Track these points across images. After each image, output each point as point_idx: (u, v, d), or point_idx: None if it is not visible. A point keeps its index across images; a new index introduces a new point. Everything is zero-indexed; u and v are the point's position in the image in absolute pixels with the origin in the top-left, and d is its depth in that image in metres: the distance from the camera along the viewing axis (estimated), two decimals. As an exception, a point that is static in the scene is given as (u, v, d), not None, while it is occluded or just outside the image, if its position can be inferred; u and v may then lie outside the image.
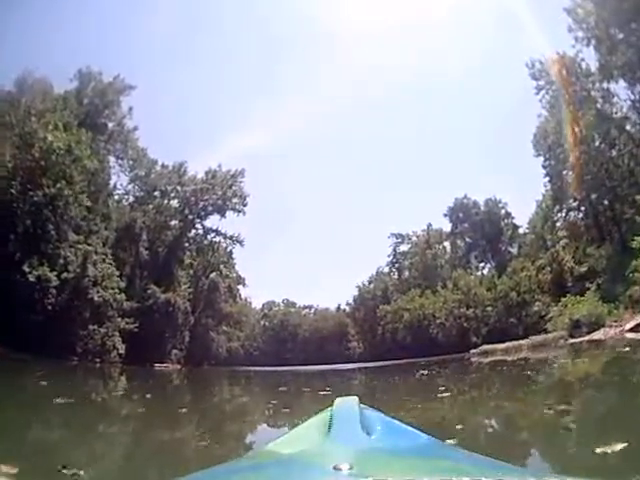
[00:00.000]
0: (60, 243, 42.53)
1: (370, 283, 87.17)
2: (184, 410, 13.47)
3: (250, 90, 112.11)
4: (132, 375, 34.60)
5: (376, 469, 1.65)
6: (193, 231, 68.22)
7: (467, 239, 78.18)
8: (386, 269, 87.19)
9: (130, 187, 63.46)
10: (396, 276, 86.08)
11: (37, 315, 38.17)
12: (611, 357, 22.76)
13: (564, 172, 53.89)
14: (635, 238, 35.94)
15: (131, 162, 61.87)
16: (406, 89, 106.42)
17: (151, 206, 62.98)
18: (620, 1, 42.41)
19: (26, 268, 38.70)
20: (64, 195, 42.59)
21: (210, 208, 66.53)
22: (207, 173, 66.63)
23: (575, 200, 54.38)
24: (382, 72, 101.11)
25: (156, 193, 64.08)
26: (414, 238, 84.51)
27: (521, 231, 72.56)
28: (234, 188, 66.19)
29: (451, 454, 2.53)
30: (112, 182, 59.95)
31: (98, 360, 43.07)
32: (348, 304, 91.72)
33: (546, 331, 43.01)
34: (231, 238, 69.61)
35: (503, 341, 44.83)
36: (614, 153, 48.92)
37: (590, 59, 48.10)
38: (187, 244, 67.43)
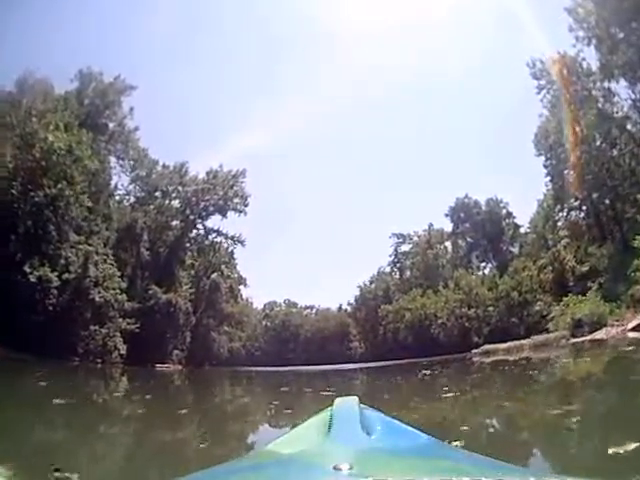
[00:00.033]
0: (61, 244, 42.53)
1: (371, 283, 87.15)
2: (184, 411, 13.41)
3: (250, 90, 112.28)
4: (133, 376, 34.60)
5: (376, 469, 1.65)
6: (194, 231, 68.26)
7: (468, 239, 78.14)
8: (387, 269, 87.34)
9: (131, 187, 63.55)
10: (397, 276, 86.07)
11: (38, 316, 38.16)
12: (614, 357, 22.71)
13: (565, 171, 53.85)
14: (636, 237, 35.90)
15: (132, 162, 61.82)
16: (406, 89, 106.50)
17: (152, 206, 62.96)
18: (620, 0, 42.38)
19: (27, 269, 38.70)
20: (65, 196, 42.60)
21: (211, 208, 66.51)
22: (208, 173, 66.64)
23: (576, 199, 54.34)
24: (382, 72, 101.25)
25: (157, 193, 64.05)
26: (415, 238, 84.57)
27: (522, 231, 72.58)
28: (235, 188, 66.15)
29: (451, 454, 2.52)
30: (113, 182, 60.11)
31: (99, 361, 43.07)
32: (349, 304, 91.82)
33: (548, 331, 42.99)
34: (232, 238, 69.64)
35: (504, 341, 44.78)
36: (615, 152, 48.90)
37: (591, 58, 48.18)
38: (188, 244, 67.39)
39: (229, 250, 71.92)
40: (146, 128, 67.68)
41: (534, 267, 56.78)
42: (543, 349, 35.88)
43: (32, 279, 38.57)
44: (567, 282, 50.19)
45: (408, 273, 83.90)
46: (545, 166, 56.27)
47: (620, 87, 47.16)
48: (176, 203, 65.88)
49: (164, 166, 65.05)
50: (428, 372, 25.54)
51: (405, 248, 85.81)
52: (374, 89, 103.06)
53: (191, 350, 62.21)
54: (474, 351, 46.52)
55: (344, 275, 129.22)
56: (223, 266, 71.61)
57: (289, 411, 12.66)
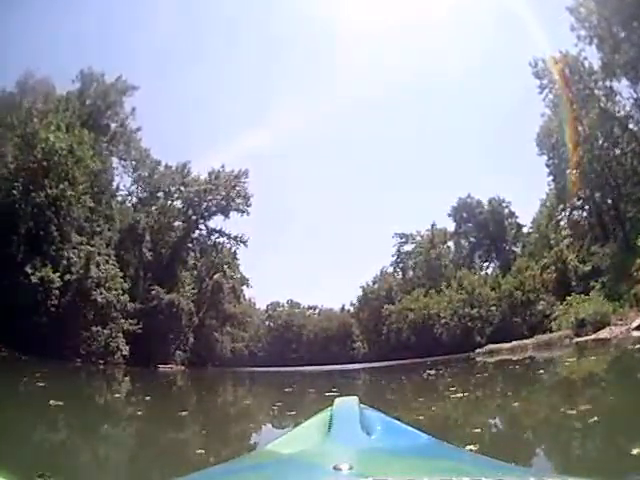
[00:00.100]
0: (63, 244, 42.51)
1: (374, 283, 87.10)
2: (185, 413, 13.27)
3: (250, 90, 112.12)
4: (135, 377, 34.65)
5: (376, 469, 1.65)
6: (197, 232, 68.25)
7: (471, 239, 78.27)
8: (390, 269, 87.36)
9: (133, 188, 63.51)
10: (400, 276, 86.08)
11: (40, 317, 38.17)
12: (620, 355, 22.70)
13: (568, 171, 53.81)
14: (639, 236, 35.91)
15: (134, 163, 61.80)
16: (406, 89, 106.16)
17: (154, 207, 63.00)
18: (622, -1, 42.49)
19: (29, 270, 38.69)
20: (67, 196, 42.60)
21: (214, 209, 66.55)
22: (210, 174, 66.61)
23: (579, 199, 54.38)
24: (382, 72, 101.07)
25: (159, 194, 64.06)
26: (418, 238, 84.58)
27: (525, 230, 72.63)
28: (238, 188, 66.17)
29: (451, 454, 2.51)
30: (115, 183, 59.94)
31: (102, 362, 43.00)
32: (352, 304, 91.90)
33: (551, 330, 43.00)
34: (235, 238, 69.56)
35: (507, 341, 44.73)
36: (617, 152, 48.96)
37: (593, 57, 48.18)
38: (191, 245, 67.45)
39: (232, 250, 71.91)
40: (148, 128, 67.88)
41: (537, 267, 56.76)
42: (547, 348, 35.88)
43: (34, 280, 38.54)
44: (570, 281, 50.18)
45: (411, 273, 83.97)
46: (547, 165, 56.38)
47: (622, 86, 47.26)
48: (178, 203, 66.01)
49: (166, 166, 65.07)
50: (432, 372, 25.49)
51: (408, 248, 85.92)
52: (374, 89, 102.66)
53: (194, 351, 62.21)
54: (477, 351, 46.46)
55: (347, 275, 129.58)
56: (226, 266, 71.55)
57: (293, 413, 12.55)
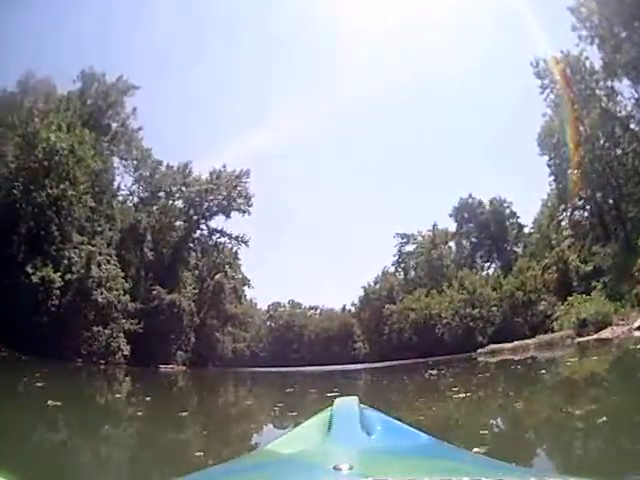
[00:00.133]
0: (64, 244, 42.54)
1: (376, 283, 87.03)
2: (185, 414, 13.17)
3: (251, 90, 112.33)
4: (136, 377, 34.63)
5: (376, 469, 1.64)
6: (198, 232, 68.34)
7: (472, 239, 78.25)
8: (392, 269, 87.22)
9: (134, 188, 63.59)
10: (402, 276, 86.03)
11: (41, 317, 38.23)
12: (622, 355, 22.69)
13: (569, 171, 53.81)
14: (640, 236, 35.99)
15: (135, 163, 61.88)
16: (406, 89, 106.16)
17: (156, 207, 63.07)
18: (623, -1, 42.50)
19: (29, 269, 38.73)
20: (68, 196, 42.64)
21: (215, 209, 66.66)
22: (212, 173, 66.68)
23: (580, 199, 54.39)
24: (382, 72, 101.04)
25: (161, 194, 64.13)
26: (419, 238, 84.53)
27: (526, 230, 72.60)
28: (239, 188, 66.24)
29: (451, 454, 2.50)
30: (116, 183, 60.04)
31: (103, 362, 43.03)
32: (353, 304, 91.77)
33: (552, 330, 43.01)
34: (236, 239, 69.62)
35: (509, 341, 44.73)
36: (619, 152, 48.98)
37: (594, 57, 48.21)
38: (192, 245, 67.49)
39: (233, 250, 71.96)
40: (149, 128, 67.93)
41: (538, 267, 56.78)
42: (549, 348, 35.87)
43: (34, 280, 38.59)
44: (571, 282, 50.25)
45: (412, 273, 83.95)
46: (549, 165, 56.37)
47: (623, 86, 47.33)
48: (180, 203, 66.10)
49: (167, 166, 65.15)
50: (434, 372, 25.47)
51: (409, 248, 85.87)
52: (374, 89, 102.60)
53: (195, 351, 62.22)
54: (479, 351, 46.44)
55: (348, 275, 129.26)
56: (227, 267, 71.55)
57: (294, 413, 12.48)
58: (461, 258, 77.66)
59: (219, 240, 70.00)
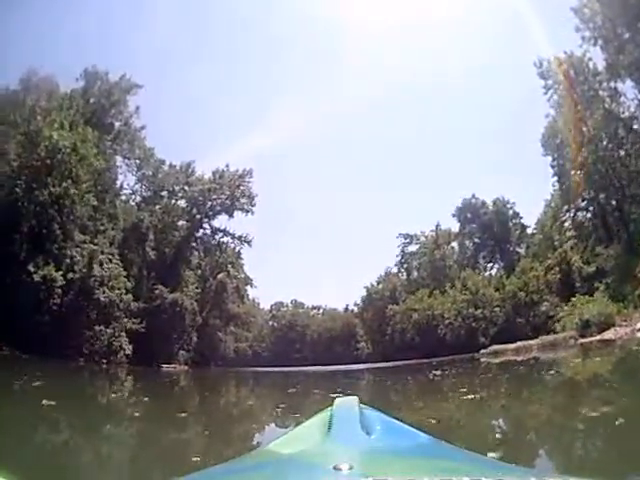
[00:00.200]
0: (66, 243, 42.58)
1: (378, 283, 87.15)
2: (184, 414, 12.99)
3: (251, 90, 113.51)
4: (137, 376, 34.61)
5: (376, 469, 1.63)
6: (201, 231, 68.45)
7: (475, 239, 78.29)
8: (394, 269, 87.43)
9: (137, 187, 63.74)
10: (404, 276, 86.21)
11: (42, 315, 38.26)
12: (626, 356, 22.64)
13: (572, 172, 53.80)
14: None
15: (138, 162, 61.98)
16: (406, 89, 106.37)
17: (158, 206, 63.17)
18: (626, 0, 42.39)
19: (31, 268, 38.77)
20: (70, 194, 42.67)
21: (218, 208, 66.71)
22: (215, 173, 66.77)
23: (583, 200, 54.36)
24: (382, 72, 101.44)
25: (163, 193, 64.28)
26: (422, 238, 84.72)
27: (529, 231, 72.66)
28: (242, 188, 66.31)
29: (451, 454, 2.49)
30: (119, 182, 60.17)
31: (104, 361, 43.05)
32: (356, 305, 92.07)
33: (555, 331, 43.05)
34: (239, 238, 69.69)
35: (512, 341, 44.74)
36: (622, 153, 48.92)
37: (597, 58, 48.20)
38: (195, 244, 67.62)
39: (236, 250, 72.02)
40: (152, 127, 68.01)
41: (541, 268, 56.81)
42: (552, 349, 35.86)
43: (36, 278, 38.63)
44: (574, 282, 50.26)
45: (415, 273, 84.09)
46: (552, 166, 56.36)
47: (627, 87, 47.32)
48: (182, 203, 66.24)
49: (170, 165, 65.28)
50: (438, 372, 25.49)
51: (412, 248, 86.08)
52: (374, 89, 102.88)
53: (197, 350, 62.27)
54: (482, 351, 46.54)
55: (351, 276, 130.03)
56: (230, 266, 71.61)
57: (297, 415, 12.37)
58: (464, 258, 77.74)
59: (222, 240, 70.17)
